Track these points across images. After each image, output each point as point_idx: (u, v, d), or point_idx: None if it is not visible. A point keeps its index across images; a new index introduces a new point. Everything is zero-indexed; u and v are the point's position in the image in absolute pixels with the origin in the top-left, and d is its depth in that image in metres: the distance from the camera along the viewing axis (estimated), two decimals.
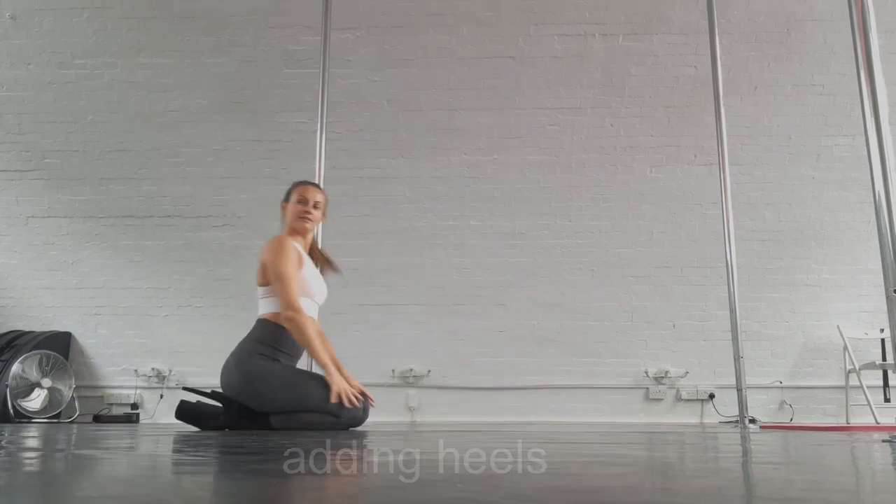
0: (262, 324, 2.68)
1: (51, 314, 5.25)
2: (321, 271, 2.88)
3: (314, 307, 2.77)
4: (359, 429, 2.62)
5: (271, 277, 2.65)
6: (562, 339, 5.04)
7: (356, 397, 2.55)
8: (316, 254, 2.92)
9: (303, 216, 2.76)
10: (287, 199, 2.84)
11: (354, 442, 1.63)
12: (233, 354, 2.64)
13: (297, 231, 2.78)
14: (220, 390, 2.65)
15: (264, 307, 2.71)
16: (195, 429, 2.55)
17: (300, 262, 2.69)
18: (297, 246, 2.74)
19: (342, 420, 2.53)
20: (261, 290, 2.72)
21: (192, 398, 2.66)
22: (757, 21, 5.07)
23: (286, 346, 2.64)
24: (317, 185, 2.95)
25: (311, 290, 2.72)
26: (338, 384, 2.52)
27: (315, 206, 2.80)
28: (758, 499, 0.63)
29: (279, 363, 2.61)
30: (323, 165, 3.89)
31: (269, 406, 2.55)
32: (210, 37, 5.21)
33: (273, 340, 2.62)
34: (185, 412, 2.60)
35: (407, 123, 5.22)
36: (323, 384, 2.56)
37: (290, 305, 2.58)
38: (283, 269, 2.61)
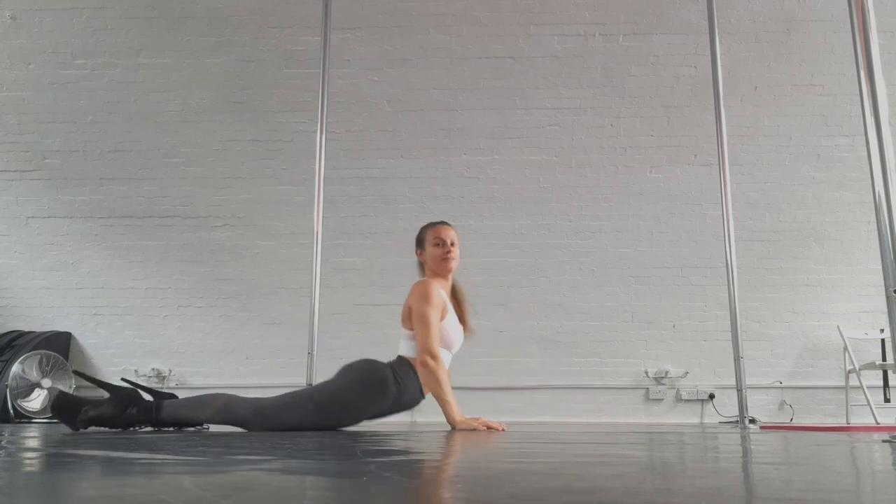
0: (401, 360, 2.67)
1: (51, 314, 5.25)
2: (461, 317, 2.81)
3: (448, 356, 2.75)
4: (358, 429, 2.61)
5: (415, 321, 2.63)
6: (562, 339, 5.04)
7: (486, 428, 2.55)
8: (458, 297, 2.86)
9: (445, 258, 2.73)
10: (420, 245, 2.80)
11: (353, 442, 1.63)
12: (383, 362, 2.63)
13: (440, 274, 2.75)
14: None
15: (405, 349, 2.68)
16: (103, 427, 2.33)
17: (444, 311, 2.68)
18: (442, 292, 2.70)
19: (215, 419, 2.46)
20: (404, 333, 2.69)
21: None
22: (757, 21, 5.07)
23: (408, 387, 2.60)
24: (447, 223, 2.85)
25: (450, 341, 2.70)
26: (472, 425, 2.53)
27: (453, 244, 2.76)
28: (758, 499, 0.63)
29: (391, 390, 2.55)
30: (323, 165, 3.89)
31: (332, 408, 2.49)
32: (210, 37, 5.21)
33: (403, 375, 2.60)
34: (62, 405, 2.30)
35: (407, 123, 5.22)
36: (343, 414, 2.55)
37: (428, 351, 2.57)
38: (428, 315, 2.59)
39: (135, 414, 2.34)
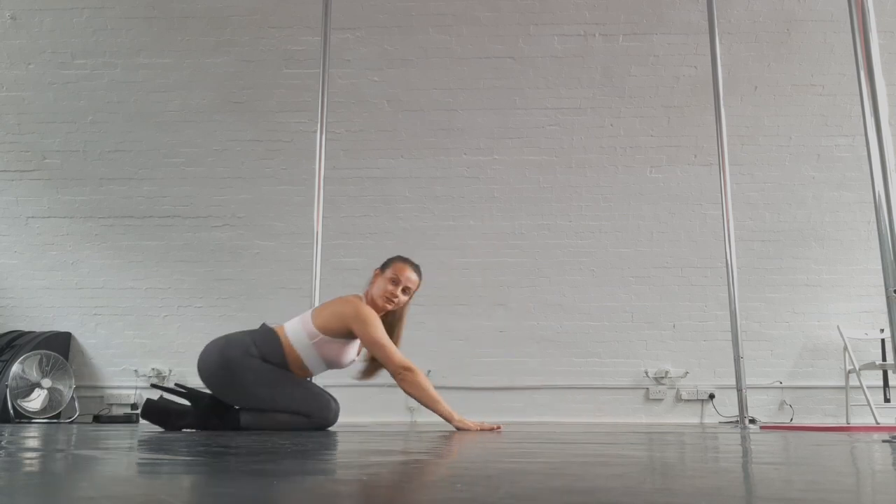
0: (270, 335, 2.65)
1: (51, 314, 5.25)
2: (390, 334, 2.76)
3: (324, 370, 2.75)
4: (360, 430, 2.62)
5: (368, 346, 2.61)
6: (562, 339, 5.04)
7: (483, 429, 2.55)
8: (389, 320, 2.78)
9: (389, 298, 2.67)
10: (382, 268, 2.76)
11: (355, 443, 1.63)
12: (220, 339, 2.65)
13: (376, 307, 2.68)
14: (189, 386, 2.66)
15: (293, 332, 2.65)
16: (160, 429, 2.54)
17: (342, 319, 2.63)
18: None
19: (314, 419, 2.55)
20: (311, 327, 2.64)
21: (180, 400, 2.65)
22: (757, 21, 5.07)
23: (276, 364, 2.61)
24: (415, 267, 2.78)
25: (341, 361, 2.68)
26: (470, 426, 2.53)
27: (404, 291, 2.70)
28: (758, 499, 0.63)
29: (261, 362, 2.59)
30: (323, 165, 3.89)
31: (240, 399, 2.57)
32: (210, 37, 5.21)
33: (269, 353, 2.60)
34: (151, 411, 2.58)
35: (407, 123, 5.22)
36: (298, 385, 2.59)
37: (402, 366, 2.54)
38: (377, 337, 2.56)
39: (218, 422, 2.55)
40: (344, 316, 2.61)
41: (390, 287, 2.68)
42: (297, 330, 2.66)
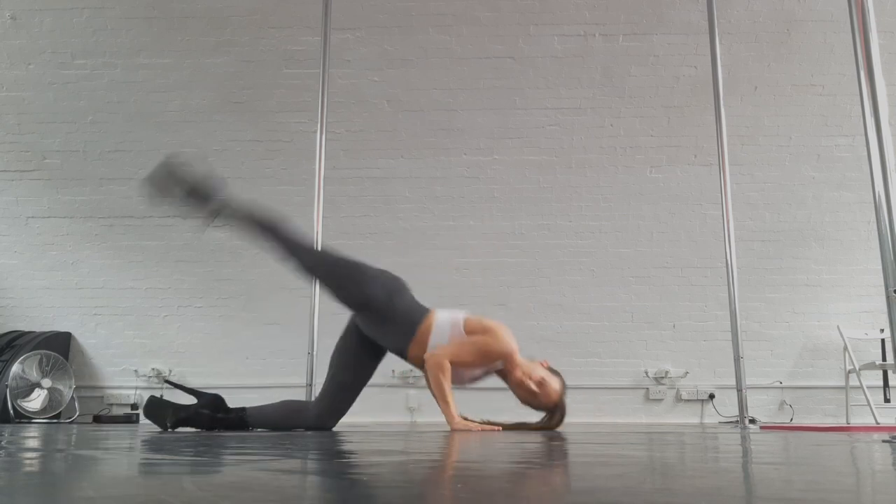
0: (420, 309, 2.69)
1: (51, 314, 5.25)
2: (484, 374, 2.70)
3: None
4: (360, 430, 2.62)
5: (477, 336, 2.56)
6: (562, 339, 5.04)
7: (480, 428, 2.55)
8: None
9: (535, 382, 2.58)
10: (551, 370, 2.67)
11: (355, 443, 1.63)
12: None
13: (521, 385, 2.60)
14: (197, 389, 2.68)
15: (436, 333, 2.60)
16: (161, 428, 2.54)
17: (486, 358, 2.58)
18: (514, 344, 2.60)
19: (310, 416, 2.60)
20: (461, 330, 2.60)
21: (185, 400, 2.66)
22: (757, 21, 5.07)
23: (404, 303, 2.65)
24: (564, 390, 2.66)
25: (464, 377, 2.64)
26: (470, 426, 2.53)
27: (538, 385, 2.59)
28: (758, 499, 0.63)
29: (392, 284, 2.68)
30: (323, 165, 3.89)
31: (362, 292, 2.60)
32: (210, 37, 5.21)
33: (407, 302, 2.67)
34: (153, 408, 2.57)
35: (407, 123, 5.22)
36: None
37: (445, 356, 2.52)
38: (485, 344, 2.54)
39: (221, 418, 2.56)
40: (486, 331, 2.58)
41: (533, 375, 2.60)
42: (443, 326, 2.60)
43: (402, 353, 2.64)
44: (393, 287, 2.65)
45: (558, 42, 5.16)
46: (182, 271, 5.25)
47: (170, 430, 2.48)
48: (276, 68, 5.22)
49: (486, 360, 2.58)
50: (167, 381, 2.91)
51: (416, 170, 5.22)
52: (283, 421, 2.59)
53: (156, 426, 2.60)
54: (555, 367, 2.73)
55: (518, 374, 2.59)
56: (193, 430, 2.52)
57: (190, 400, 2.65)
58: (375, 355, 2.71)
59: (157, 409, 2.56)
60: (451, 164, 5.22)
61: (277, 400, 2.70)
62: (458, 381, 2.62)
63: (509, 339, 2.58)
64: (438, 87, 5.21)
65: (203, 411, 2.56)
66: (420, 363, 2.61)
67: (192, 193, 2.59)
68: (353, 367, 2.67)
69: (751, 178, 5.10)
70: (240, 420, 2.57)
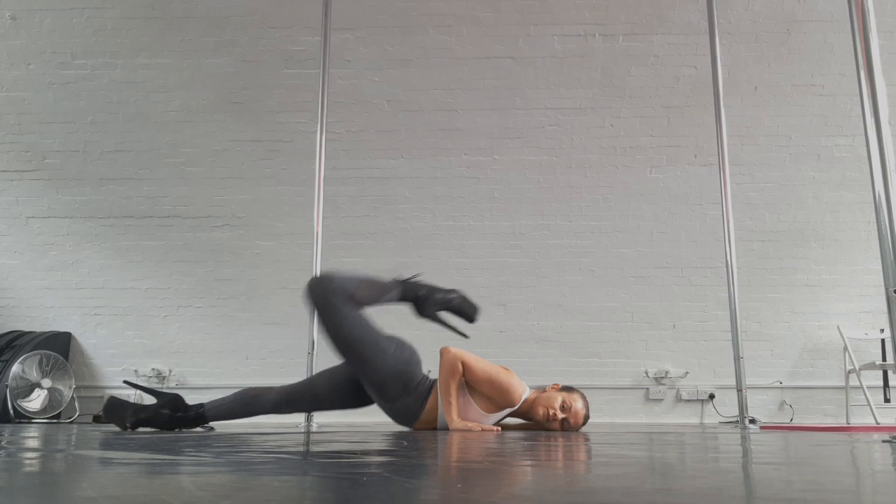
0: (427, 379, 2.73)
1: (51, 314, 5.25)
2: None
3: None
4: (360, 430, 2.62)
5: (493, 374, 2.62)
6: (562, 339, 5.04)
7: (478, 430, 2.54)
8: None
9: (550, 415, 2.58)
10: (563, 388, 2.70)
11: (354, 443, 1.63)
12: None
13: (534, 412, 2.62)
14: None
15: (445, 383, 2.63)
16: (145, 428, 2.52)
17: (493, 382, 2.61)
18: (526, 392, 2.64)
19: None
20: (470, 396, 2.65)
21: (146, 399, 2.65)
22: (757, 21, 5.07)
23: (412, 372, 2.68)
24: (586, 406, 2.69)
25: (468, 410, 2.64)
26: (468, 426, 2.53)
27: (563, 421, 2.60)
28: (758, 499, 0.63)
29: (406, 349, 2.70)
30: (323, 165, 3.88)
31: (344, 329, 2.56)
32: (210, 37, 5.21)
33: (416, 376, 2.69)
34: (113, 409, 2.55)
35: (407, 123, 5.22)
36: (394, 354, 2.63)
37: (459, 358, 2.61)
38: (494, 374, 2.61)
39: (180, 417, 2.55)
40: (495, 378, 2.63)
41: (556, 406, 2.61)
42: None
43: (407, 425, 2.72)
44: (408, 379, 2.65)
45: (558, 42, 5.16)
46: (182, 271, 5.25)
47: (129, 430, 2.46)
48: (275, 68, 5.22)
49: (492, 386, 2.61)
50: (125, 382, 2.93)
51: (416, 170, 5.22)
52: (241, 409, 2.60)
53: (116, 427, 2.57)
54: (566, 384, 2.77)
55: (540, 410, 2.61)
56: (152, 430, 2.49)
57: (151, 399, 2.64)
58: (361, 401, 2.72)
59: (117, 409, 2.54)
60: (451, 164, 5.22)
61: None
62: (465, 416, 2.64)
63: (519, 384, 2.64)
64: (438, 87, 5.21)
65: (163, 411, 2.53)
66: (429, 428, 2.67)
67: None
68: (334, 390, 2.68)
69: (751, 178, 5.10)
70: (198, 416, 2.56)
